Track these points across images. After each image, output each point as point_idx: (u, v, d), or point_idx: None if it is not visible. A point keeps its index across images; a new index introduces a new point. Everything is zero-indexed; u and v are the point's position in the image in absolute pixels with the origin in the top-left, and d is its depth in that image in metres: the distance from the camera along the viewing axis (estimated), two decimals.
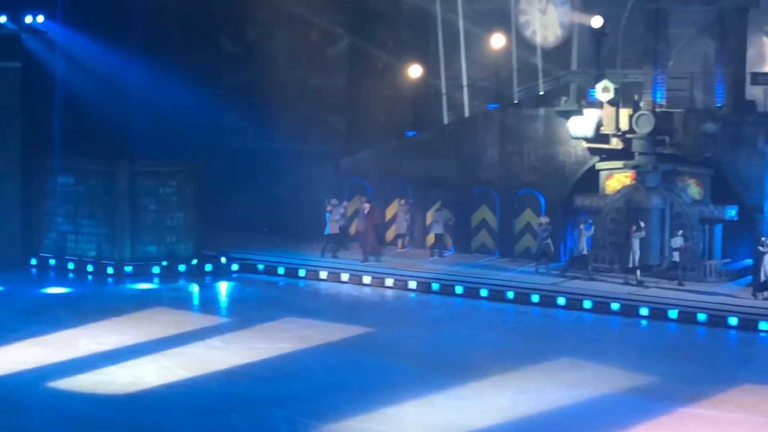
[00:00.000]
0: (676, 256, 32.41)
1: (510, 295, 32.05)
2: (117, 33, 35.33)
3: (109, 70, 35.52)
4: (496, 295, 32.16)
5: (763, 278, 30.71)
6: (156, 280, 34.52)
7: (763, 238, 31.12)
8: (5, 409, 22.05)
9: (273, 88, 40.79)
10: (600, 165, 34.92)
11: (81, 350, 26.06)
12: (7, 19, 35.20)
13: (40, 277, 34.81)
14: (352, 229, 36.72)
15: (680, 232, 32.44)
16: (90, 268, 35.10)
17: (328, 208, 35.93)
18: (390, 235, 37.90)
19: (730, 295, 31.23)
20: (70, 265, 35.35)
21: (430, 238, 36.93)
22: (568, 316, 30.74)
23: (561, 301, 31.35)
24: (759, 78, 33.94)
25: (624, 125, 33.72)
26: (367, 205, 35.62)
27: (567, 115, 34.83)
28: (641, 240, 32.37)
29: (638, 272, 32.12)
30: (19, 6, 35.27)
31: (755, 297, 30.82)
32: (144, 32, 36.01)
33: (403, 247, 37.09)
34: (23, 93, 35.71)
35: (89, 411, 22.07)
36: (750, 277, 32.31)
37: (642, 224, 32.57)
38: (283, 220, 39.29)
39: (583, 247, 33.13)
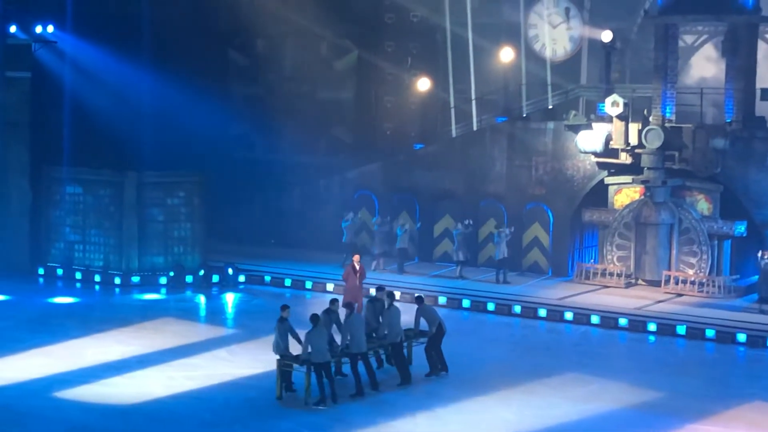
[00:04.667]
0: None
1: (517, 309, 31.99)
2: (126, 43, 35.37)
3: (118, 80, 35.53)
4: (503, 309, 32.10)
5: None
6: (163, 290, 34.51)
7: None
8: (11, 420, 22.04)
9: (281, 100, 40.88)
10: (609, 179, 34.89)
11: (87, 360, 26.02)
12: (18, 28, 35.28)
13: (48, 287, 34.84)
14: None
15: None
16: (97, 278, 35.12)
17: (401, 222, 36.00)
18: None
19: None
20: (78, 275, 35.37)
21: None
22: (575, 331, 30.65)
23: (568, 315, 31.28)
24: None
25: (633, 140, 33.71)
26: (357, 256, 30.30)
27: (576, 129, 34.82)
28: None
29: None
30: (30, 16, 35.34)
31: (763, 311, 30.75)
32: (153, 43, 36.05)
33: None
34: (33, 103, 35.84)
35: (95, 422, 22.04)
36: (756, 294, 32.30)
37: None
38: (290, 231, 39.30)
39: None
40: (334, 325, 24.61)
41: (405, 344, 25.38)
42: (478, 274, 35.49)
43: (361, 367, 24.09)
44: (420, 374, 25.15)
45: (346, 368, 24.46)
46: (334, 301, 25.25)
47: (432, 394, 24.07)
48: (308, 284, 34.79)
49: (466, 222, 35.46)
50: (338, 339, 24.32)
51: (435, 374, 25.22)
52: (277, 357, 23.77)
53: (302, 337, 23.41)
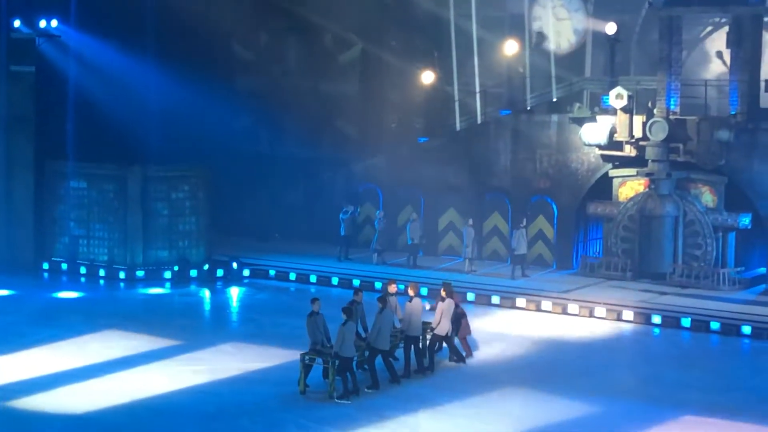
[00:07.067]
0: None
1: (521, 302, 31.94)
2: (130, 37, 35.37)
3: (122, 74, 35.55)
4: (507, 303, 32.06)
5: None
6: (167, 285, 34.53)
7: None
8: (16, 415, 22.05)
9: (285, 94, 40.82)
10: (613, 172, 34.86)
11: (92, 355, 26.05)
12: (22, 23, 35.31)
13: (52, 282, 34.90)
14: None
15: None
16: (102, 272, 35.16)
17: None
18: None
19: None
20: (82, 270, 35.41)
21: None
22: (580, 324, 30.61)
23: (573, 308, 31.25)
24: None
25: (637, 132, 33.69)
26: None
27: (580, 122, 34.80)
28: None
29: None
30: (34, 10, 35.36)
31: None
32: (157, 37, 36.06)
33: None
34: (37, 97, 35.87)
35: (101, 416, 22.03)
36: (764, 286, 32.21)
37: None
38: (294, 225, 39.32)
39: None
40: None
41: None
42: (484, 267, 35.51)
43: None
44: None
45: (399, 353, 24.83)
46: (358, 291, 25.31)
47: (437, 388, 24.07)
48: (313, 278, 34.81)
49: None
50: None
51: (431, 370, 25.18)
52: (303, 352, 23.59)
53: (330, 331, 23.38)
